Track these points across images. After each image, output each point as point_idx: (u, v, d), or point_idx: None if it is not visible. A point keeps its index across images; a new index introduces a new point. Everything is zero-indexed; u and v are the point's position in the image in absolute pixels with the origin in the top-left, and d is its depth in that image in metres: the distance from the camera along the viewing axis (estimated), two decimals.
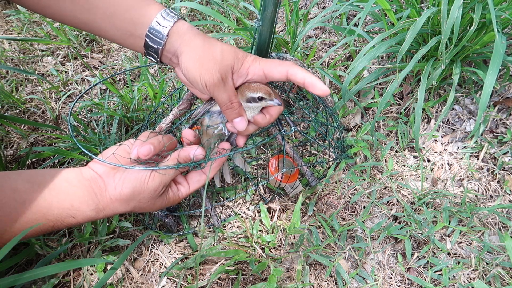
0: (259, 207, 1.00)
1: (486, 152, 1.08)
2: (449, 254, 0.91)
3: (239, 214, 1.00)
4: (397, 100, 1.27)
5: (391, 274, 0.88)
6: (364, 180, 1.07)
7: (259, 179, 1.10)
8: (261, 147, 1.17)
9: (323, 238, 0.95)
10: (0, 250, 0.49)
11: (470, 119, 1.16)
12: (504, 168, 1.05)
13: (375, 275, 0.87)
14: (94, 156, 0.60)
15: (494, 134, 1.12)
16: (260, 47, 0.73)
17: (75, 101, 0.70)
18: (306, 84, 0.57)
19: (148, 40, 0.57)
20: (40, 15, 1.82)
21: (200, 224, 0.98)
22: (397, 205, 1.02)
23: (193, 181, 0.65)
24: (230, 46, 0.58)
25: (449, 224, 0.93)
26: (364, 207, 1.03)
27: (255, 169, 1.13)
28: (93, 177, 0.58)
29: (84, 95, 1.42)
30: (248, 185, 1.07)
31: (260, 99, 0.60)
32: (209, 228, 0.97)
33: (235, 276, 0.87)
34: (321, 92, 0.57)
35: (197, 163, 0.60)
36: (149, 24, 0.56)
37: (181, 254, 0.93)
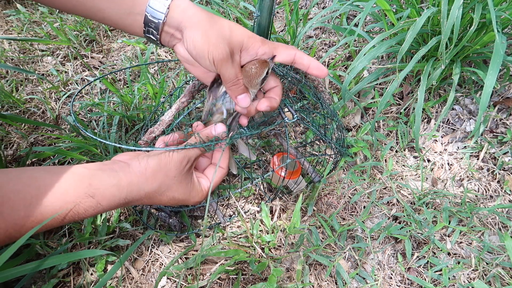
0: (260, 207, 1.00)
1: (486, 152, 1.09)
2: (449, 254, 0.91)
3: (245, 212, 1.01)
4: (397, 100, 1.27)
5: (391, 274, 0.88)
6: (364, 180, 1.07)
7: (262, 172, 1.10)
8: (260, 149, 1.18)
9: (323, 238, 0.95)
10: (24, 236, 0.48)
11: (470, 119, 1.16)
12: (504, 168, 1.05)
13: (375, 275, 0.87)
14: (106, 142, 0.59)
15: (494, 134, 1.12)
16: None
17: (76, 94, 0.70)
18: (311, 67, 0.61)
19: (148, 15, 0.57)
20: (39, 16, 1.82)
21: (204, 223, 0.98)
22: (397, 205, 1.02)
23: (210, 173, 0.65)
24: (238, 24, 0.59)
25: (449, 224, 0.93)
26: (364, 207, 1.03)
27: (256, 169, 1.13)
28: (115, 161, 0.57)
29: (84, 95, 1.43)
30: (251, 172, 1.08)
31: (267, 72, 0.61)
32: (214, 226, 0.97)
33: (235, 276, 0.88)
34: (324, 73, 0.62)
35: (218, 141, 0.60)
36: None
37: (183, 255, 0.93)
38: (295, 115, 0.72)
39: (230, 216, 1.00)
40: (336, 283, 0.87)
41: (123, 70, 1.50)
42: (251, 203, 1.05)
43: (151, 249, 0.94)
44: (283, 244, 0.93)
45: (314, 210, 1.02)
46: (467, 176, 1.06)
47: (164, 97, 1.29)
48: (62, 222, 0.51)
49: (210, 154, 0.69)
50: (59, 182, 0.51)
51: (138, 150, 0.57)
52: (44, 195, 0.49)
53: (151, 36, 0.60)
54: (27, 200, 0.48)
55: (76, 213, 0.51)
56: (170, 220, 0.94)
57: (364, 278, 0.87)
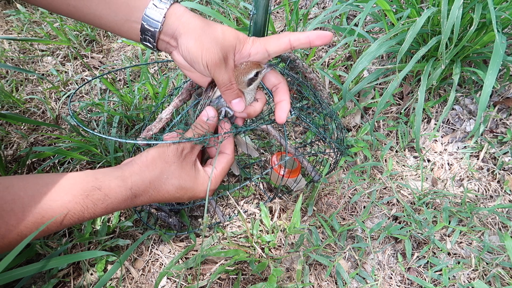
0: (259, 206, 1.00)
1: (486, 152, 1.09)
2: (449, 254, 0.91)
3: (245, 211, 1.01)
4: (397, 100, 1.27)
5: (391, 274, 0.88)
6: (364, 180, 1.07)
7: (262, 171, 1.10)
8: (260, 149, 1.18)
9: (323, 238, 0.95)
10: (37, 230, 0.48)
11: (470, 119, 1.16)
12: (504, 168, 1.05)
13: (375, 275, 0.87)
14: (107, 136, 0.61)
15: (494, 134, 1.12)
16: (255, 35, 0.74)
17: (75, 91, 0.70)
18: (311, 40, 0.58)
19: (144, 24, 0.57)
20: (39, 16, 1.82)
21: (204, 222, 0.98)
22: (397, 205, 1.02)
23: (216, 162, 0.64)
24: (230, 27, 0.59)
25: (449, 224, 0.93)
26: (364, 207, 1.03)
27: (256, 169, 1.13)
28: (122, 163, 0.60)
29: (84, 95, 1.43)
30: (251, 171, 1.08)
31: (257, 74, 0.60)
32: (214, 226, 0.97)
33: (235, 276, 0.88)
34: (328, 38, 0.58)
35: (213, 135, 0.61)
36: (146, 7, 0.56)
37: (183, 255, 0.93)
38: (293, 112, 0.71)
39: (230, 215, 1.00)
40: (336, 283, 0.87)
41: (123, 70, 1.50)
42: (251, 203, 1.05)
43: (151, 249, 0.94)
44: (283, 244, 0.93)
45: (314, 210, 1.02)
46: (467, 176, 1.06)
47: (164, 97, 1.29)
48: (73, 218, 0.51)
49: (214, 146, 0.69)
50: (66, 178, 0.52)
51: (138, 143, 0.58)
52: (53, 190, 0.50)
53: (147, 43, 0.60)
54: (36, 197, 0.49)
55: (85, 207, 0.51)
56: (170, 220, 0.94)
57: (364, 278, 0.87)
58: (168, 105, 1.04)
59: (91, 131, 0.58)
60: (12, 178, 0.50)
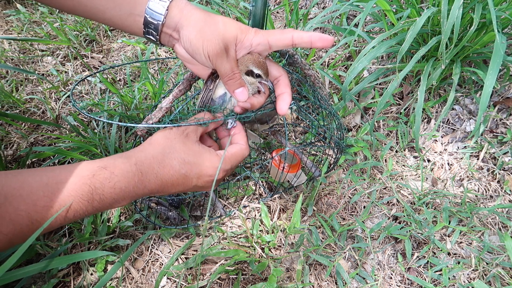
0: (259, 202, 1.01)
1: (486, 152, 1.09)
2: (449, 254, 0.91)
3: (245, 206, 1.01)
4: (397, 100, 1.27)
5: (391, 274, 0.88)
6: (364, 180, 1.07)
7: (262, 171, 1.10)
8: (260, 148, 1.18)
9: (323, 238, 0.95)
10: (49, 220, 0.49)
11: (470, 119, 1.16)
12: (504, 168, 1.05)
13: (375, 275, 0.88)
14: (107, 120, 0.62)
15: (494, 134, 1.12)
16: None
17: (76, 84, 0.70)
18: (313, 41, 0.59)
19: (147, 16, 0.58)
20: (39, 16, 1.82)
21: (205, 218, 0.98)
22: (397, 205, 1.02)
23: (230, 148, 0.65)
24: (231, 19, 0.60)
25: (449, 224, 0.94)
26: (364, 207, 1.03)
27: (255, 169, 1.13)
28: None
29: (84, 95, 1.43)
30: (251, 169, 1.09)
31: (258, 76, 0.61)
32: (215, 224, 0.97)
33: (235, 276, 0.88)
34: (330, 42, 0.59)
35: (215, 120, 0.63)
36: (149, 0, 0.58)
37: (182, 253, 0.93)
38: (292, 102, 0.71)
39: (230, 210, 1.00)
40: (336, 283, 0.87)
41: (123, 70, 1.51)
42: (251, 202, 1.05)
43: (151, 249, 0.94)
44: (283, 244, 0.93)
45: (314, 210, 1.02)
46: (467, 176, 1.06)
47: (163, 96, 1.29)
48: (82, 201, 0.51)
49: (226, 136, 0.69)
50: (72, 164, 0.54)
51: (138, 127, 0.59)
52: (60, 174, 0.51)
53: (150, 37, 0.61)
54: (43, 181, 0.50)
55: (93, 187, 0.52)
56: (170, 213, 0.94)
57: (364, 278, 0.87)
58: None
59: (94, 117, 0.59)
60: (21, 170, 0.52)
